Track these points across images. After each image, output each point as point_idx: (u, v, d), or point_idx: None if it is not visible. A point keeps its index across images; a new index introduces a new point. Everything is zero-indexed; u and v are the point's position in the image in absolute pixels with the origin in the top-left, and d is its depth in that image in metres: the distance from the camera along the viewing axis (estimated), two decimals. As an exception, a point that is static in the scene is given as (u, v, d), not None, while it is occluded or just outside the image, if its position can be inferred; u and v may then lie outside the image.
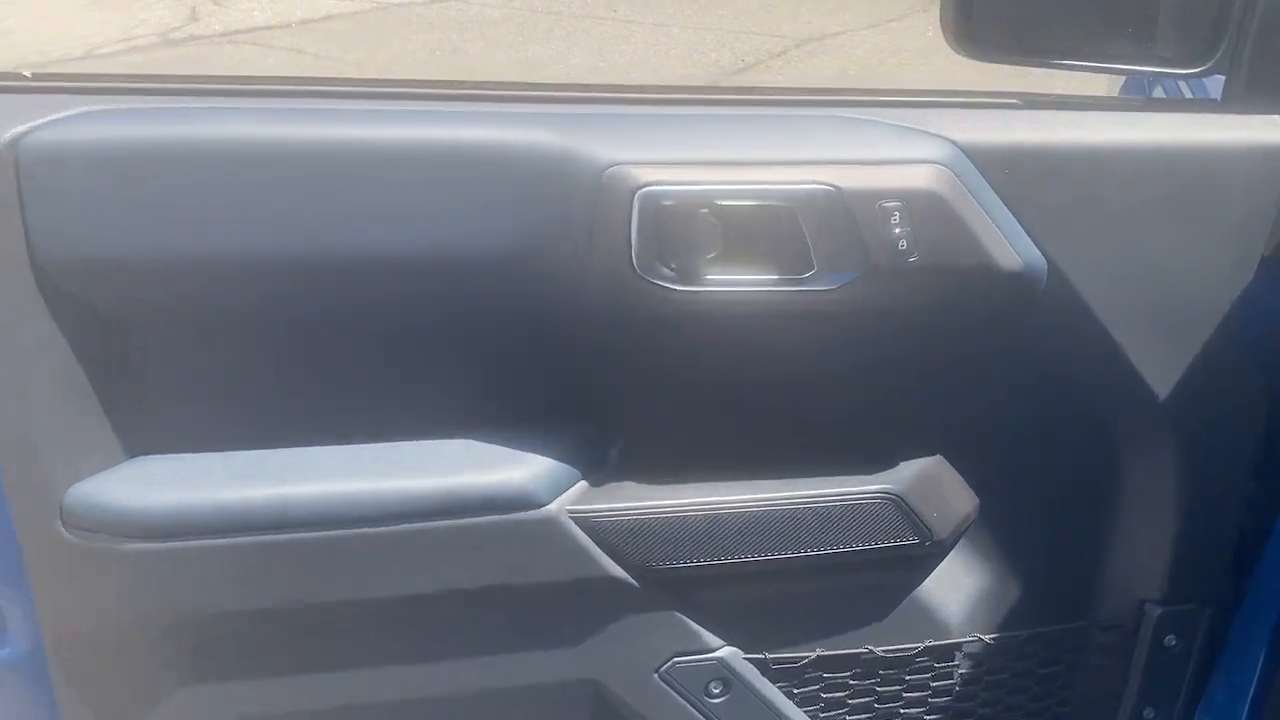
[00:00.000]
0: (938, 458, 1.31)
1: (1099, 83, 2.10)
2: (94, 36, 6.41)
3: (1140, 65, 1.24)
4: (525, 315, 1.14)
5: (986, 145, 1.14)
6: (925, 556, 1.31)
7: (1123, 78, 1.86)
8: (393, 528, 1.11)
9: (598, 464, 1.21)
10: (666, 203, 1.08)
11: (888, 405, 1.27)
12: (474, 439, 1.18)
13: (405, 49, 6.23)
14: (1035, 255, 1.16)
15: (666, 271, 1.09)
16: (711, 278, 1.11)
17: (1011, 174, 1.15)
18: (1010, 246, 1.15)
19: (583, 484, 1.19)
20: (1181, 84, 1.57)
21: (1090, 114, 1.20)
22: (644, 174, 1.07)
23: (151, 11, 6.89)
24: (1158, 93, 1.76)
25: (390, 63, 5.94)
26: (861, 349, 1.21)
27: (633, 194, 1.07)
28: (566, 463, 1.18)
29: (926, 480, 1.29)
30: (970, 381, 1.27)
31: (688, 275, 1.10)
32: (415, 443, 1.16)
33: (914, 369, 1.25)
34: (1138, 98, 1.84)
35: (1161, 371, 1.19)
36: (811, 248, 1.11)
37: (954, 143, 1.14)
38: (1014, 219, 1.14)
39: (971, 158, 1.14)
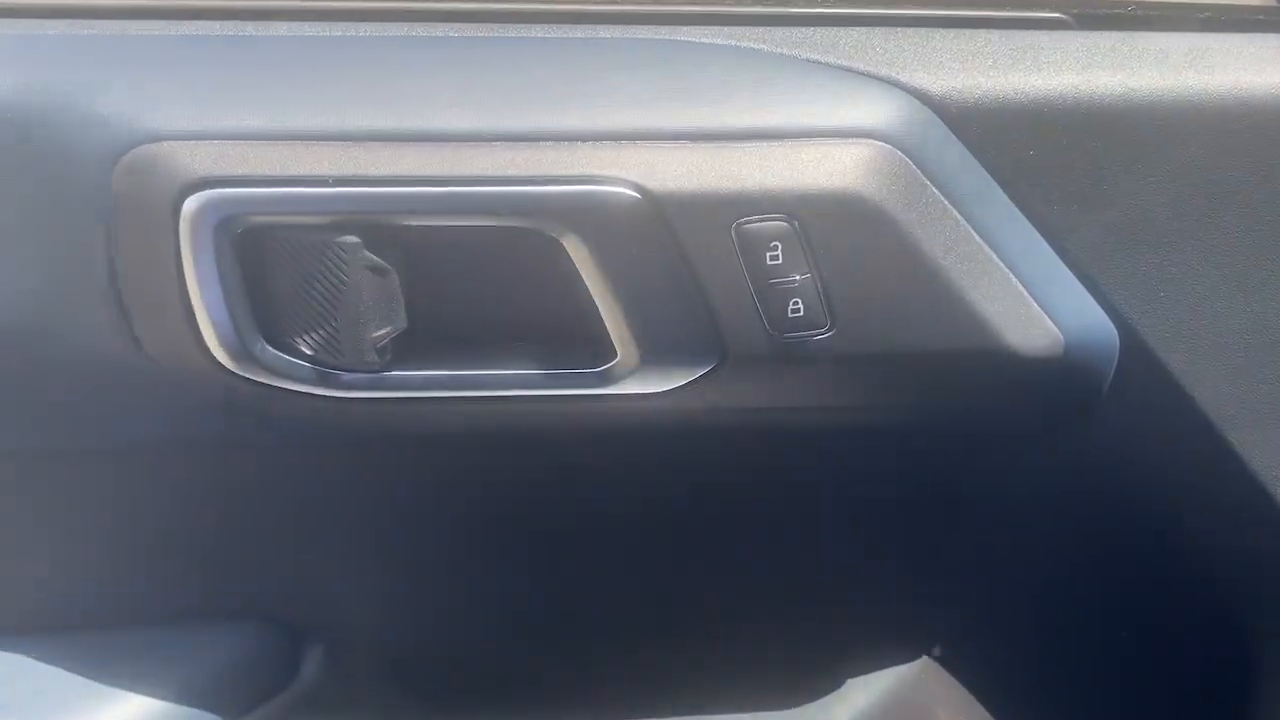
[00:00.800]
0: (921, 664, 0.78)
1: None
2: None
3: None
4: (76, 427, 0.60)
5: (990, 101, 0.58)
6: None
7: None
8: None
9: (268, 690, 0.69)
10: (252, 221, 0.53)
11: (805, 585, 0.73)
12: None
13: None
14: (1094, 316, 0.61)
15: (284, 360, 0.56)
16: (398, 374, 0.56)
17: (1041, 156, 0.58)
18: (1036, 302, 0.59)
19: None
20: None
21: (1214, 38, 0.62)
22: (198, 158, 0.52)
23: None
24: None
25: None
26: (732, 495, 0.64)
27: (176, 203, 0.52)
28: (190, 701, 0.64)
29: (895, 711, 0.72)
30: (968, 536, 0.75)
31: (336, 368, 0.56)
32: None
33: (847, 523, 0.69)
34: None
35: None
36: (606, 317, 0.56)
37: (919, 94, 0.58)
38: (1047, 245, 0.60)
39: (955, 126, 0.58)
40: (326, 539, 0.68)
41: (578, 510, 0.67)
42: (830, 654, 0.77)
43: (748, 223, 0.55)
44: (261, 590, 0.70)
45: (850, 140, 0.56)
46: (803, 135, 0.56)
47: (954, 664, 0.78)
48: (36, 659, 0.68)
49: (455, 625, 0.73)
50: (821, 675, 0.77)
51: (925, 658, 0.77)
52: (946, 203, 0.57)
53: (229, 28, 0.58)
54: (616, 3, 0.60)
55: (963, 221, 0.57)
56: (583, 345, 0.57)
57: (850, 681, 0.76)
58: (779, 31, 0.59)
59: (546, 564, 0.70)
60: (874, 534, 0.72)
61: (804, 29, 0.59)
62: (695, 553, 0.71)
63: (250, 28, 0.58)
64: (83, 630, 0.70)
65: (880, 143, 0.56)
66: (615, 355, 0.57)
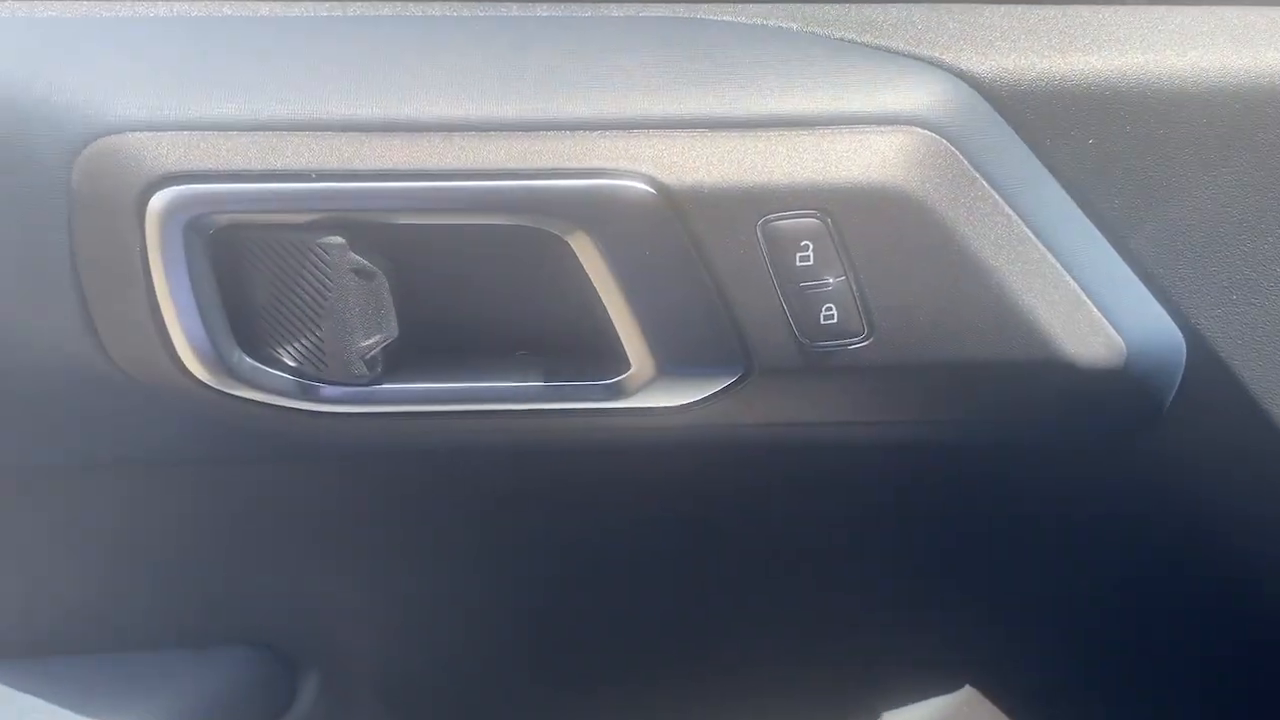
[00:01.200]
0: (964, 694, 0.72)
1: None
2: None
3: None
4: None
5: (1045, 84, 0.53)
6: None
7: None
8: None
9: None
10: (225, 219, 0.49)
11: (839, 613, 0.67)
12: None
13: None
14: (1159, 323, 0.56)
15: (264, 373, 0.52)
16: (389, 387, 0.52)
17: (1102, 145, 0.53)
18: (1095, 307, 0.54)
19: None
20: None
21: None
22: (164, 152, 0.48)
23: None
24: None
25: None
26: (757, 519, 0.59)
27: (140, 201, 0.48)
28: None
29: None
30: (1017, 557, 0.69)
31: (321, 381, 0.52)
32: None
33: (884, 546, 0.64)
34: None
35: None
36: (618, 324, 0.51)
37: (966, 75, 0.52)
38: (1109, 244, 0.54)
39: (1006, 111, 0.53)
40: (316, 562, 0.64)
41: (586, 534, 0.62)
42: (865, 683, 0.72)
43: (775, 220, 0.49)
44: (250, 615, 0.66)
45: (889, 128, 0.50)
46: (836, 122, 0.50)
47: (999, 693, 0.72)
48: (22, 688, 0.65)
49: (456, 654, 0.68)
50: (856, 705, 0.72)
51: (968, 686, 0.72)
52: (996, 196, 0.52)
53: (198, 7, 0.53)
54: None
55: (1014, 217, 0.52)
56: (593, 355, 0.53)
57: (886, 714, 0.71)
58: (809, 8, 0.54)
59: (553, 590, 0.65)
60: (913, 556, 0.67)
61: (837, 5, 0.54)
62: (717, 581, 0.66)
63: (224, 7, 0.53)
64: (68, 656, 0.66)
65: (922, 130, 0.51)
66: (629, 366, 0.52)
